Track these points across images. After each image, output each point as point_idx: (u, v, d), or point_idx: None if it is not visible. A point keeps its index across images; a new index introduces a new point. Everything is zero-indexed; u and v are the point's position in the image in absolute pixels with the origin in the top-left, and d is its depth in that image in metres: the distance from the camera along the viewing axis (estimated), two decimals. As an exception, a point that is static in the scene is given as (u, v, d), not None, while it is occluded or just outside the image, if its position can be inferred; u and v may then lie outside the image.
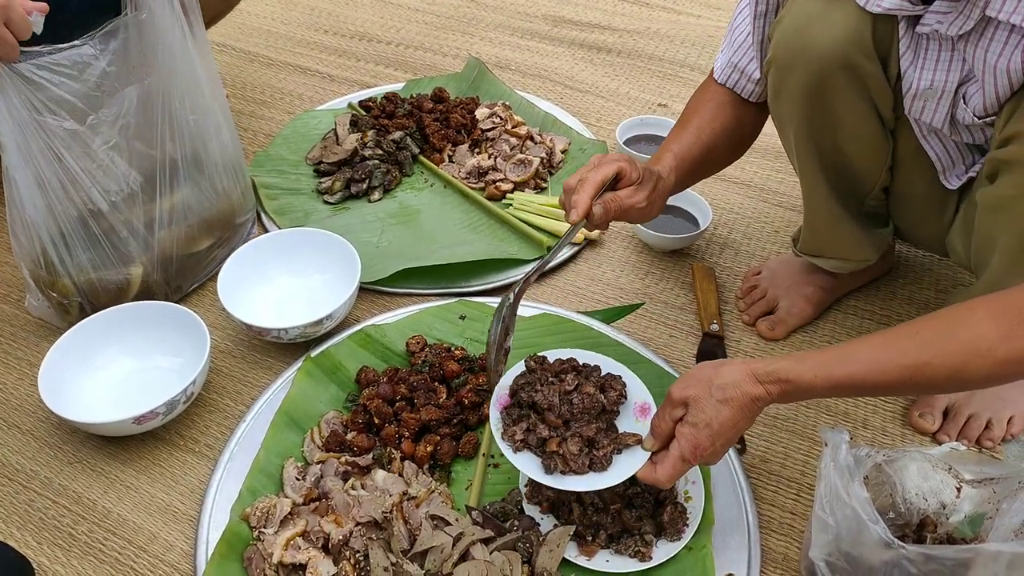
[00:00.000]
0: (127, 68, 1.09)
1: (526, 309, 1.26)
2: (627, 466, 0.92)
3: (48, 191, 1.08)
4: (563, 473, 0.92)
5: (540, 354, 1.01)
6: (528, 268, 1.32)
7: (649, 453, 0.92)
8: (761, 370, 0.84)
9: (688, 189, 1.43)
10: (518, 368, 1.00)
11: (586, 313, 1.24)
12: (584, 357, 1.01)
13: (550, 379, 0.97)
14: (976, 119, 0.93)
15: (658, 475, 0.88)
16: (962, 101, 0.93)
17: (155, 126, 1.13)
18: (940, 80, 0.92)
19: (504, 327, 0.96)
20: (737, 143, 1.18)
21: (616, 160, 0.98)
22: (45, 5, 1.02)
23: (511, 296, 0.97)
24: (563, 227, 1.40)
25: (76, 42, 1.06)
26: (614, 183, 0.98)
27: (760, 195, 1.52)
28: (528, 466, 0.93)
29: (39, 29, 1.01)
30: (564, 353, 1.01)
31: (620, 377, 0.99)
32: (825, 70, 0.96)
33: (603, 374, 1.00)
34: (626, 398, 0.99)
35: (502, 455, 1.06)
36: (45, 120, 1.04)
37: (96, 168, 1.09)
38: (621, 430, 0.96)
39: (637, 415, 0.98)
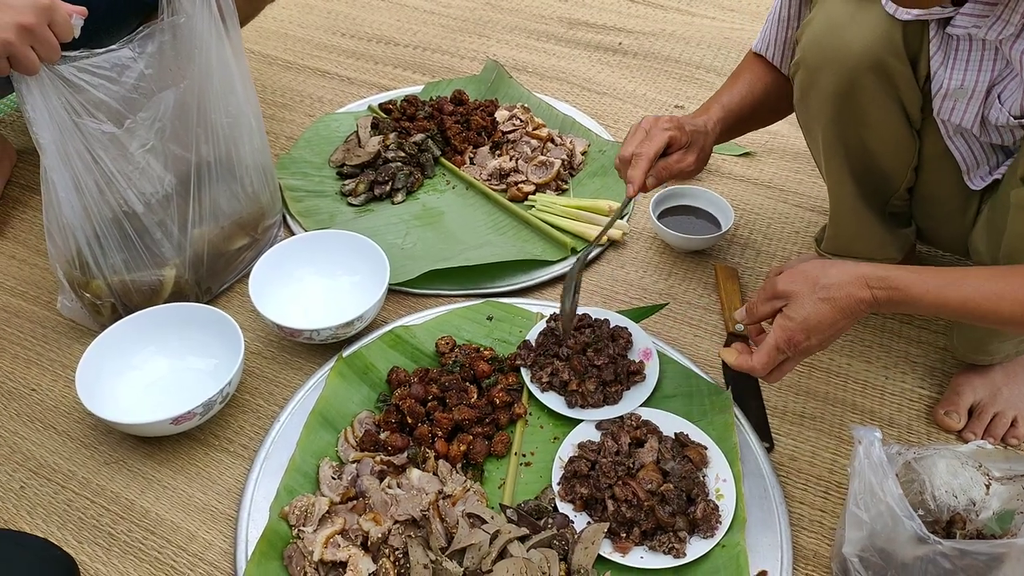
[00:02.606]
0: (164, 71, 1.10)
1: (550, 309, 1.27)
2: (634, 399, 1.12)
3: (84, 193, 1.09)
4: (582, 407, 1.11)
5: (558, 312, 1.20)
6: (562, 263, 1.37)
7: (651, 389, 1.12)
8: (872, 275, 0.86)
9: (709, 191, 1.46)
10: (540, 325, 1.21)
11: (622, 312, 1.25)
12: (595, 313, 1.22)
13: (570, 332, 1.17)
14: (1012, 119, 0.93)
15: (753, 362, 0.93)
16: (997, 101, 0.93)
17: (190, 129, 1.14)
18: (971, 80, 0.93)
19: (574, 294, 1.11)
20: (784, 103, 1.21)
21: (666, 128, 1.05)
22: (84, 9, 1.03)
23: (576, 268, 1.12)
24: (586, 228, 1.41)
25: (114, 45, 1.07)
26: (665, 149, 1.06)
27: (780, 196, 1.54)
28: (554, 403, 1.12)
29: (77, 33, 1.03)
30: (579, 310, 1.20)
31: (626, 328, 1.19)
32: (856, 71, 0.98)
33: (612, 326, 1.20)
34: (632, 344, 1.18)
35: (533, 453, 1.09)
36: (83, 122, 1.05)
37: (132, 170, 1.11)
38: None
39: (642, 358, 1.17)
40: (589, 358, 1.14)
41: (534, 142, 1.58)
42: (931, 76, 0.97)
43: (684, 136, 1.07)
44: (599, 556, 0.96)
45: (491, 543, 0.94)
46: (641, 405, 1.13)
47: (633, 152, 1.04)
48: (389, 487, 1.00)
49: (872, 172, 1.09)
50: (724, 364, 1.22)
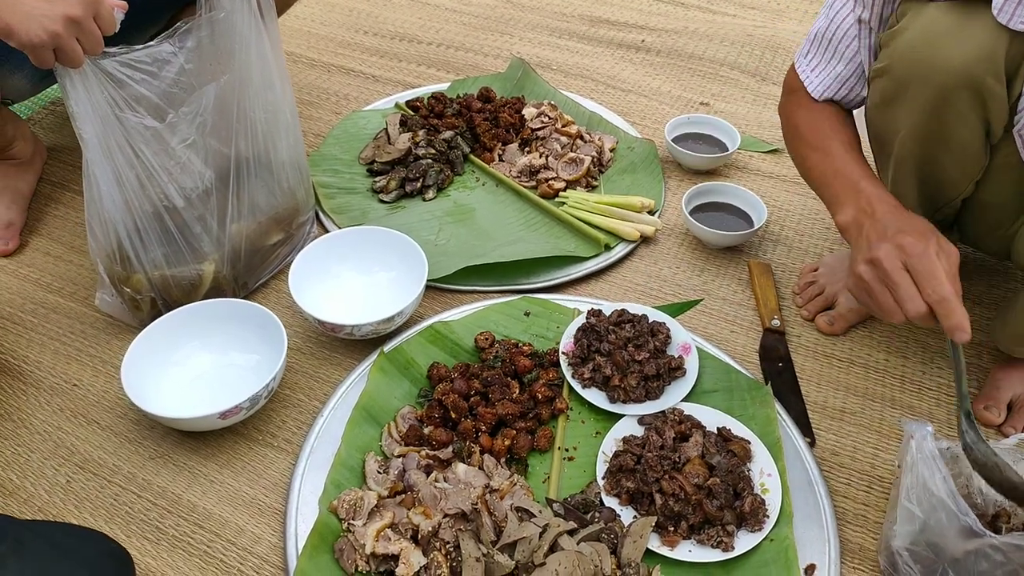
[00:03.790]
0: (204, 66, 1.10)
1: (587, 305, 1.27)
2: (675, 394, 1.13)
3: (126, 187, 1.08)
4: (624, 402, 1.12)
5: (596, 308, 1.22)
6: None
7: (692, 384, 1.13)
8: None
9: (741, 187, 1.46)
10: (580, 319, 1.21)
11: (657, 308, 1.25)
12: (632, 308, 1.22)
13: (610, 328, 1.18)
14: None
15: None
16: None
17: (230, 124, 1.14)
18: None
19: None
20: None
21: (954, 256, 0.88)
22: (125, 4, 1.04)
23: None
24: (619, 225, 1.41)
25: (153, 41, 1.08)
26: None
27: (809, 191, 1.52)
28: (595, 398, 1.13)
29: (118, 27, 1.03)
30: (616, 305, 1.23)
31: (664, 323, 1.20)
32: (948, 87, 0.92)
33: (650, 321, 1.20)
34: (671, 339, 1.19)
35: (576, 448, 1.09)
36: (125, 116, 1.05)
37: (173, 165, 1.10)
38: None
39: (681, 353, 1.18)
40: (631, 353, 1.14)
41: (564, 139, 1.58)
42: (1022, 94, 0.92)
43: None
44: (648, 550, 0.96)
45: (541, 537, 0.94)
46: (682, 400, 1.13)
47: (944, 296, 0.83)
48: (436, 481, 1.01)
49: (936, 183, 1.05)
50: (762, 359, 1.23)
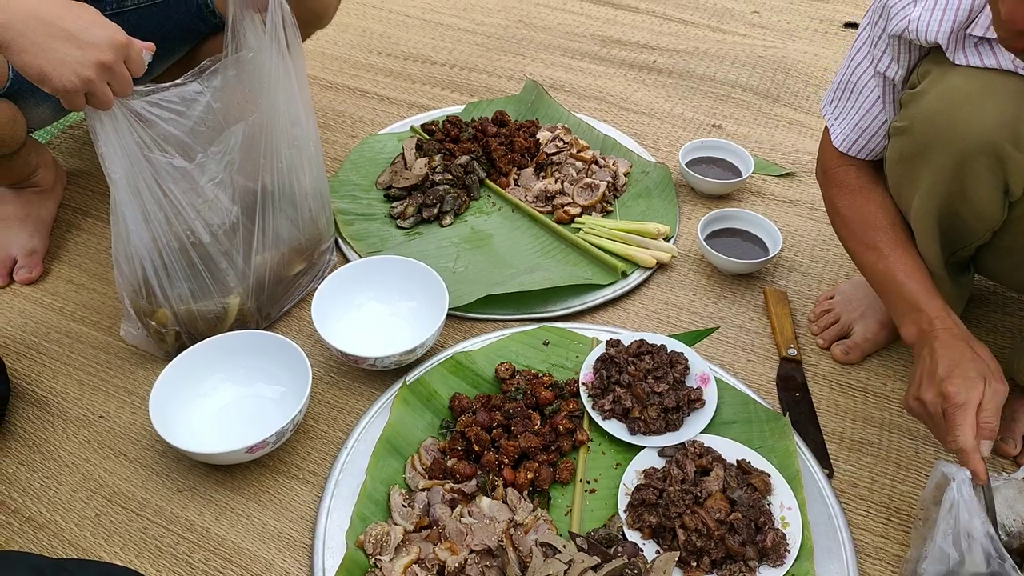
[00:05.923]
0: (232, 104, 1.12)
1: (605, 334, 1.29)
2: (695, 426, 1.14)
3: (153, 224, 1.10)
4: (644, 434, 1.14)
5: (615, 338, 1.24)
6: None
7: (711, 415, 1.14)
8: None
9: (757, 214, 1.47)
10: (599, 349, 1.23)
11: (674, 336, 1.26)
12: (651, 338, 1.24)
13: (629, 359, 1.20)
14: None
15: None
16: None
17: (257, 160, 1.16)
18: None
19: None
20: None
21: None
22: (153, 45, 1.05)
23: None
24: (635, 252, 1.43)
25: (180, 79, 1.09)
26: None
27: (823, 217, 1.55)
28: (616, 430, 1.15)
29: (146, 68, 1.04)
30: (635, 335, 1.25)
31: (683, 353, 1.22)
32: (967, 153, 0.93)
33: (668, 352, 1.22)
34: (689, 370, 1.20)
35: (597, 480, 1.11)
36: (154, 157, 1.06)
37: (201, 203, 1.12)
38: None
39: (699, 384, 1.19)
40: (650, 385, 1.15)
41: (579, 164, 1.60)
42: None
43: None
44: (670, 585, 0.97)
45: (566, 573, 0.95)
46: (701, 432, 1.14)
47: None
48: (461, 516, 1.02)
49: (954, 232, 1.05)
50: (779, 389, 1.24)
